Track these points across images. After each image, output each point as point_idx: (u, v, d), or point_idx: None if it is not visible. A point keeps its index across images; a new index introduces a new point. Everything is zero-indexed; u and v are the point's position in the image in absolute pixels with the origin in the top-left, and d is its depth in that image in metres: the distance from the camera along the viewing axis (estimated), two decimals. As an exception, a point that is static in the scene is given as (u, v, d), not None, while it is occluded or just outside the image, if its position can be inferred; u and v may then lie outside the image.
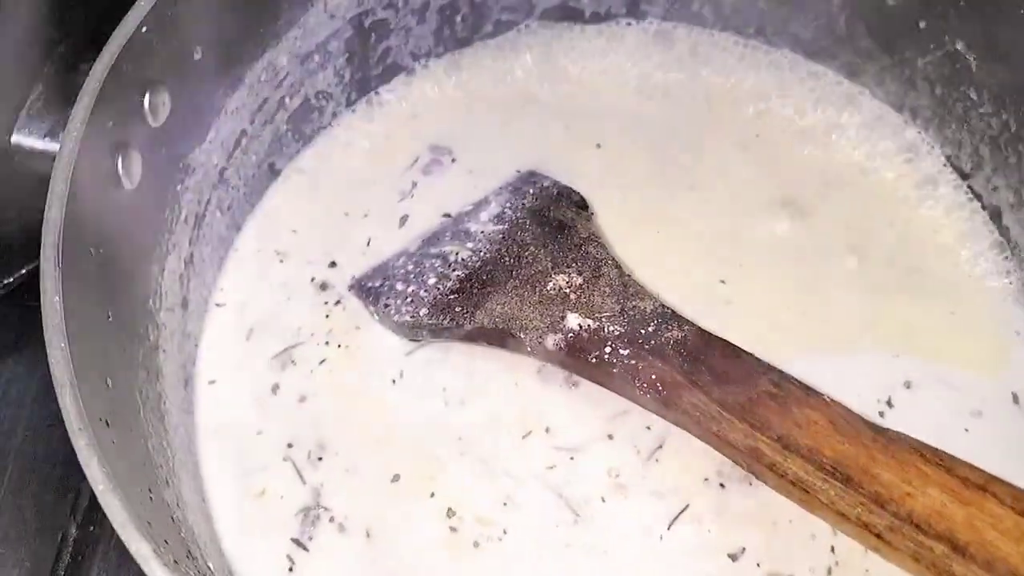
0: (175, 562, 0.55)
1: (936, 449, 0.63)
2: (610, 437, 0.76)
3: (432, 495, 0.74)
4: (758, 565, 0.71)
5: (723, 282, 0.82)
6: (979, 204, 0.86)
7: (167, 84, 0.71)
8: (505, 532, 0.73)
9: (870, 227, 0.86)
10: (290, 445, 0.76)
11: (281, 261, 0.84)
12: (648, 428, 0.75)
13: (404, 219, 0.86)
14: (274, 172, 0.88)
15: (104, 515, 0.83)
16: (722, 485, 0.74)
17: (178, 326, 0.78)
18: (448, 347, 0.79)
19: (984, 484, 0.59)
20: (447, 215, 0.85)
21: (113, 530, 0.84)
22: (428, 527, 0.73)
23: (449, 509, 0.73)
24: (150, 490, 0.63)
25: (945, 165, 0.88)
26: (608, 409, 0.76)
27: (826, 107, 0.91)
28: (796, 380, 0.69)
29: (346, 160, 0.90)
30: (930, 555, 0.59)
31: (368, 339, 0.80)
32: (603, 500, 0.74)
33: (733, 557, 0.72)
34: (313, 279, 0.83)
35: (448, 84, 0.93)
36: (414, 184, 0.87)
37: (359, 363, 0.79)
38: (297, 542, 0.72)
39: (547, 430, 0.76)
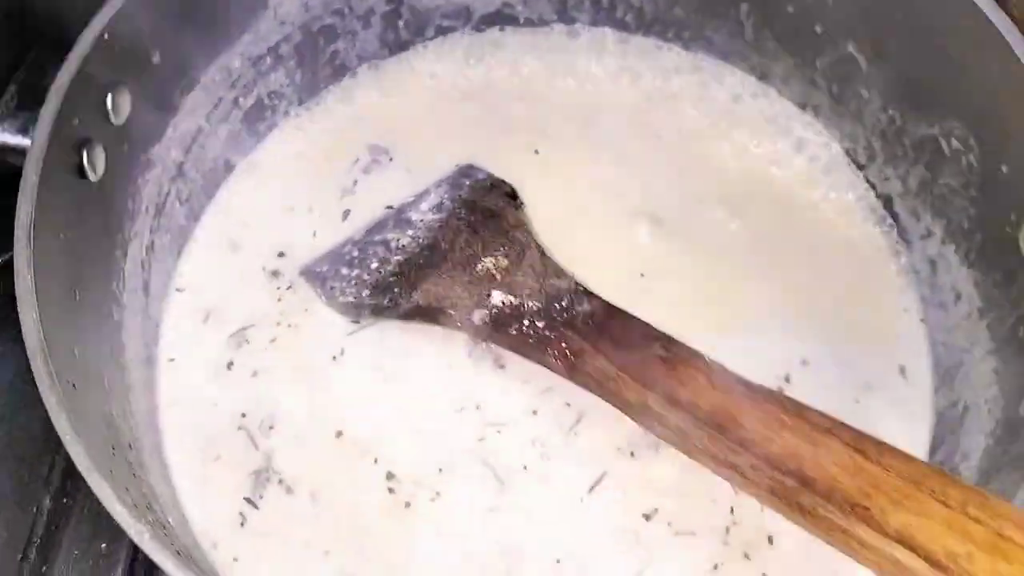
0: (135, 506, 0.63)
1: (794, 400, 0.71)
2: (534, 413, 0.82)
3: (375, 461, 0.81)
4: (668, 524, 0.79)
5: (643, 275, 0.89)
6: (874, 193, 0.93)
7: (128, 85, 0.78)
8: (438, 494, 0.80)
9: (775, 216, 0.93)
10: (244, 415, 0.83)
11: (235, 250, 0.90)
12: (568, 405, 0.82)
13: (346, 213, 0.92)
14: (229, 167, 0.94)
15: (77, 488, 0.90)
16: (632, 454, 0.81)
17: (140, 308, 0.84)
18: (385, 329, 0.86)
19: (830, 428, 0.67)
20: (390, 207, 0.92)
21: (85, 502, 0.91)
22: (369, 488, 0.80)
23: (388, 473, 0.80)
24: (113, 447, 0.70)
25: (844, 157, 0.95)
26: (533, 388, 0.83)
27: (739, 106, 0.98)
28: (683, 345, 0.77)
29: (294, 157, 0.96)
30: (783, 488, 0.67)
31: (315, 320, 0.87)
32: (526, 468, 0.81)
33: (647, 517, 0.79)
34: (264, 267, 0.89)
35: (389, 86, 1.00)
36: (355, 182, 0.94)
37: (305, 341, 0.86)
38: (249, 501, 0.79)
39: (477, 407, 0.83)
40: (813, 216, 0.94)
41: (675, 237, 0.91)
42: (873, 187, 0.93)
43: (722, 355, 0.78)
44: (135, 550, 0.91)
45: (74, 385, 0.67)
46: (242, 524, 0.79)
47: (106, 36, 0.74)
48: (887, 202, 0.93)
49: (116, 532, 0.92)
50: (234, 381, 0.85)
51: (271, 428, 0.83)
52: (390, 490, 0.80)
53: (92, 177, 0.76)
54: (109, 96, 0.76)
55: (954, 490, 0.61)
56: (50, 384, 0.63)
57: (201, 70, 0.87)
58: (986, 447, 0.73)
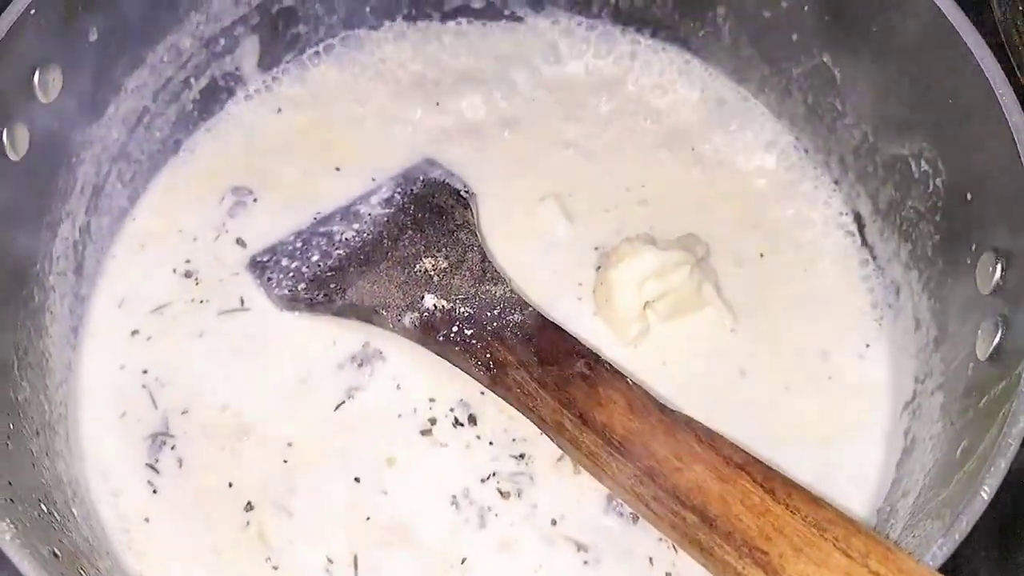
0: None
1: (712, 431, 0.67)
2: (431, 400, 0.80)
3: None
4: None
5: (580, 284, 0.86)
6: (849, 210, 0.89)
7: (58, 63, 0.75)
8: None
9: (747, 227, 0.90)
10: (145, 381, 0.82)
11: (170, 236, 0.88)
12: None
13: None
14: (178, 148, 0.91)
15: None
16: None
17: (70, 290, 0.82)
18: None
19: (743, 464, 0.64)
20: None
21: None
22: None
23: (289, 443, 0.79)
24: (8, 439, 0.68)
25: (817, 169, 0.91)
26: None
27: (712, 108, 0.95)
28: (608, 364, 0.74)
29: (245, 143, 0.93)
30: (683, 524, 0.64)
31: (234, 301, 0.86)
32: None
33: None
34: (188, 260, 0.87)
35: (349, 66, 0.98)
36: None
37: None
38: (150, 466, 0.78)
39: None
40: (786, 227, 0.90)
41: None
42: (846, 203, 0.89)
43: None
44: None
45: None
46: (154, 492, 0.78)
47: (32, 12, 0.72)
48: (858, 220, 0.88)
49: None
50: (142, 346, 0.84)
51: (163, 386, 0.82)
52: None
53: (12, 156, 0.73)
54: (36, 73, 0.74)
55: (858, 540, 0.58)
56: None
57: (146, 49, 0.85)
58: (922, 487, 0.69)
